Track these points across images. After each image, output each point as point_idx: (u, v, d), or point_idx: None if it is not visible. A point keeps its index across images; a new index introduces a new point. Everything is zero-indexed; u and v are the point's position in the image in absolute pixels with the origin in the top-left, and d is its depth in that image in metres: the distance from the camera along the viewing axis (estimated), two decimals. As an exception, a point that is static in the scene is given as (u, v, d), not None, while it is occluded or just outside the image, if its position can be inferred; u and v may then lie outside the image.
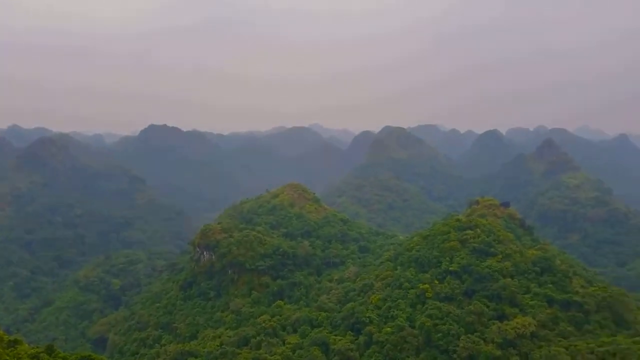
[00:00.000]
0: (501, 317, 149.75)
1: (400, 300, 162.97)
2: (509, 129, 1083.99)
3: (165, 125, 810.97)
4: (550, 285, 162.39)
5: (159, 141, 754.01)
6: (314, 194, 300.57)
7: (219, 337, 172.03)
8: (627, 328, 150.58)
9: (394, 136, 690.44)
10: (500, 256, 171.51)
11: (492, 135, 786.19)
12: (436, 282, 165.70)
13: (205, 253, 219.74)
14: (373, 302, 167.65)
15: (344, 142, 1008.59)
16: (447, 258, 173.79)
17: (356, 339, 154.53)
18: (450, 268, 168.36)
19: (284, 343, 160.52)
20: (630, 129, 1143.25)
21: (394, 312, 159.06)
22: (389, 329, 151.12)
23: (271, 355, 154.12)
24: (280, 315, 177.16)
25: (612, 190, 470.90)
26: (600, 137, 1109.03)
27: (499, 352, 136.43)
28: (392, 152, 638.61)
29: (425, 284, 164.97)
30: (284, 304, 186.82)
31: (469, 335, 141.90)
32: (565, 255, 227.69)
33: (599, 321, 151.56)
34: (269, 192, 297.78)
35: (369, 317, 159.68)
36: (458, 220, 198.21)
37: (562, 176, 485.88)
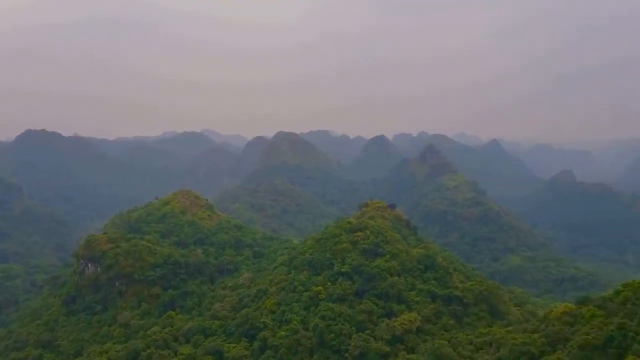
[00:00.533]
0: (389, 315, 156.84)
1: (294, 304, 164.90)
2: (394, 134, 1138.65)
3: (44, 130, 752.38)
4: (433, 282, 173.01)
5: (37, 148, 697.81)
6: (207, 200, 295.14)
7: (106, 352, 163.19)
8: (501, 318, 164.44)
9: (287, 141, 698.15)
10: (388, 256, 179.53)
11: (379, 141, 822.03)
12: (329, 283, 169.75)
13: (90, 265, 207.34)
14: (267, 307, 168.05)
15: (237, 147, 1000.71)
16: (339, 260, 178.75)
17: (251, 345, 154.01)
18: (342, 269, 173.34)
19: (175, 354, 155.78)
20: (501, 135, 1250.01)
21: (288, 315, 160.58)
22: (283, 332, 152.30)
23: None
24: (172, 326, 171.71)
25: (486, 191, 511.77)
26: (476, 142, 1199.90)
27: (387, 349, 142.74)
28: (286, 157, 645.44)
29: (318, 286, 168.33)
30: (176, 314, 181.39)
31: (360, 333, 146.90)
32: (446, 252, 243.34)
33: (477, 313, 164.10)
34: (158, 200, 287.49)
35: (263, 322, 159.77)
36: (349, 222, 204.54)
37: (442, 179, 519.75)
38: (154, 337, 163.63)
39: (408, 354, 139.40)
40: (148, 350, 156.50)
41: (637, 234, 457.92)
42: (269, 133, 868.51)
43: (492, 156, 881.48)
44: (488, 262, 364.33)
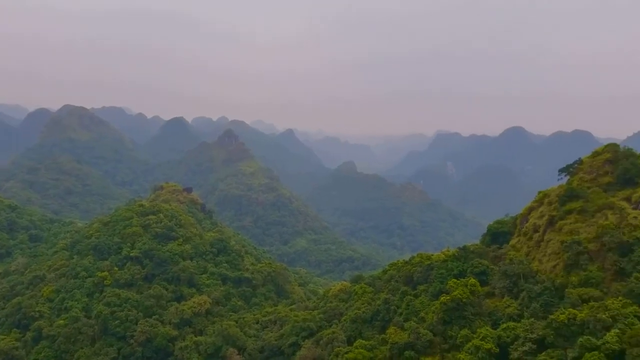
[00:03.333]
0: (179, 299, 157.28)
1: (76, 291, 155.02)
2: (194, 117, 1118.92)
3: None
4: (225, 265, 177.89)
5: None
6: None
7: None
8: (286, 297, 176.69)
9: (75, 116, 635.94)
10: (181, 240, 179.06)
11: (178, 123, 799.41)
12: (116, 269, 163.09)
13: None
14: (45, 294, 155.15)
15: (16, 119, 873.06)
16: (129, 244, 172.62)
17: (23, 336, 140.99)
18: (132, 254, 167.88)
19: None
20: (295, 125, 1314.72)
21: (68, 303, 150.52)
22: (62, 321, 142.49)
23: None
24: None
25: (279, 177, 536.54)
26: (272, 130, 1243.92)
27: (175, 332, 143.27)
28: (72, 133, 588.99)
29: (103, 271, 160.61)
30: None
31: (148, 319, 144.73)
32: (240, 236, 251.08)
33: (264, 293, 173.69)
34: None
35: (39, 311, 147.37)
36: (141, 205, 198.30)
37: (239, 164, 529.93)
38: None
39: (196, 336, 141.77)
40: None
41: (403, 220, 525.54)
42: (55, 105, 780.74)
43: (286, 144, 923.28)
44: (278, 245, 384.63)
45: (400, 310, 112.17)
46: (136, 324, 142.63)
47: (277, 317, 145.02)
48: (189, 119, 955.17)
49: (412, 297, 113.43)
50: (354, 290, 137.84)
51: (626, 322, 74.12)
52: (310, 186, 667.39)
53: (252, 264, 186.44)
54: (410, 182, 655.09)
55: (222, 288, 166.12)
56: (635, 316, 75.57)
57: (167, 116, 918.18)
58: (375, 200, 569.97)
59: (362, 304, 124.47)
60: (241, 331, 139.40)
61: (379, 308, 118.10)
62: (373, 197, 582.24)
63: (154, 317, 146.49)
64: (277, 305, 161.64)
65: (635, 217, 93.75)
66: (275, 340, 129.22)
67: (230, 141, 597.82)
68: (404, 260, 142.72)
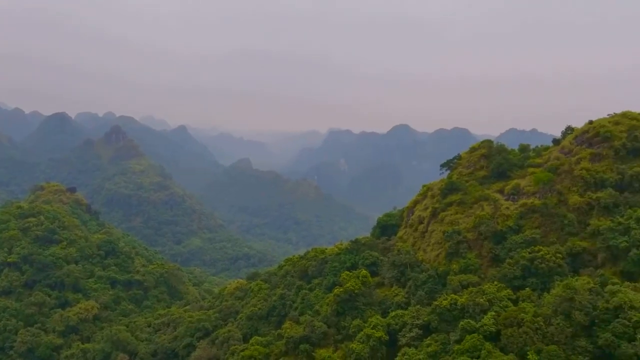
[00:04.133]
0: (64, 305, 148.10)
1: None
2: (78, 112, 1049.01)
3: None
4: (114, 267, 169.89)
5: None
6: None
7: None
8: (180, 298, 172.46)
9: None
10: (65, 243, 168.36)
11: (59, 118, 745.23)
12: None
13: None
14: None
15: None
16: (6, 249, 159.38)
17: None
18: (9, 259, 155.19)
19: None
20: (188, 121, 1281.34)
21: None
22: None
23: None
24: None
25: (172, 175, 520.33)
26: (164, 126, 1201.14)
27: (60, 340, 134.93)
28: None
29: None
30: None
31: (29, 328, 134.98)
32: (129, 237, 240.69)
33: (157, 295, 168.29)
34: None
35: None
36: (19, 207, 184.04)
37: (128, 162, 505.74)
38: None
39: (83, 344, 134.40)
40: None
41: (298, 215, 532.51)
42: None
43: (179, 141, 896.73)
44: (171, 245, 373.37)
45: (295, 305, 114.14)
46: (16, 334, 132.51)
47: (170, 319, 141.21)
48: (72, 114, 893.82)
49: (307, 291, 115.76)
50: (250, 287, 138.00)
51: (501, 305, 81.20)
52: (204, 184, 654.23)
53: (143, 265, 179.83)
54: (305, 178, 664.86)
55: (110, 292, 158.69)
56: (509, 299, 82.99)
57: (47, 111, 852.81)
58: (271, 197, 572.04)
59: (258, 301, 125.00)
60: (132, 336, 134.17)
61: (275, 304, 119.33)
62: (269, 193, 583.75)
63: (35, 325, 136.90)
64: (170, 307, 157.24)
65: (507, 208, 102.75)
66: (169, 342, 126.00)
67: (118, 138, 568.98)
68: (299, 255, 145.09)
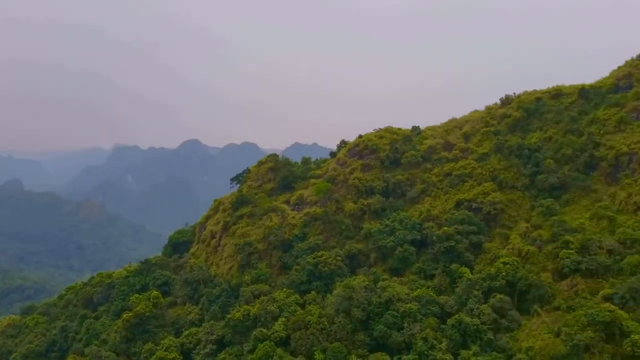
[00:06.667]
0: None
1: None
2: None
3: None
4: None
5: None
6: None
7: None
8: None
9: None
10: None
11: None
12: None
13: None
14: None
15: None
16: None
17: None
18: None
19: None
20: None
21: None
22: None
23: None
24: None
25: None
26: None
27: None
28: None
29: None
30: None
31: None
32: None
33: None
34: None
35: None
36: None
37: None
38: None
39: None
40: None
41: (81, 239, 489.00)
42: None
43: None
44: None
45: (80, 336, 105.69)
46: None
47: None
48: None
49: (92, 320, 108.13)
50: (25, 322, 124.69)
51: (290, 310, 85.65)
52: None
53: None
54: (88, 199, 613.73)
55: None
56: (297, 304, 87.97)
57: None
58: (48, 221, 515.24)
59: (35, 337, 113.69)
60: None
61: (56, 337, 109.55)
62: (46, 217, 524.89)
63: None
64: None
65: (293, 217, 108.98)
66: None
67: None
68: (82, 282, 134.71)
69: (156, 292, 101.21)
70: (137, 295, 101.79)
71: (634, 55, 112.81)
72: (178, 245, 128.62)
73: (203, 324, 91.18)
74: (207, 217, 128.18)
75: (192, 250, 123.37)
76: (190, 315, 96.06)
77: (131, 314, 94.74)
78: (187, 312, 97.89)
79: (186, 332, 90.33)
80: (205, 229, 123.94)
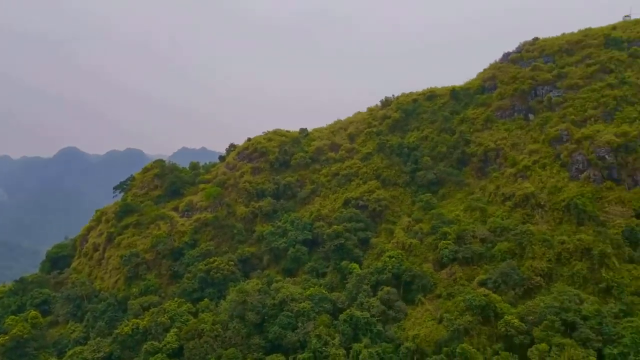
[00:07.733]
0: None
1: None
2: None
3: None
4: None
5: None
6: None
7: None
8: None
9: None
10: None
11: None
12: None
13: None
14: None
15: None
16: None
17: None
18: None
19: None
20: None
21: None
22: None
23: None
24: None
25: None
26: None
27: None
28: None
29: None
30: None
31: None
32: None
33: None
34: None
35: None
36: None
37: None
38: None
39: None
40: None
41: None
42: None
43: None
44: None
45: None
46: None
47: None
48: None
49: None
50: None
51: (182, 320, 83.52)
52: None
53: None
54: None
55: None
56: (189, 312, 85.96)
57: None
58: None
59: None
60: None
61: None
62: None
63: None
64: None
65: (182, 224, 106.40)
66: None
67: None
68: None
69: (34, 312, 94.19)
70: (12, 317, 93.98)
71: (497, 59, 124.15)
72: (57, 260, 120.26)
73: (89, 342, 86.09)
74: (89, 229, 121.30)
75: (73, 264, 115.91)
76: (74, 334, 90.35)
77: (7, 338, 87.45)
78: (71, 330, 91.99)
79: (70, 352, 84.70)
80: (87, 241, 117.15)
